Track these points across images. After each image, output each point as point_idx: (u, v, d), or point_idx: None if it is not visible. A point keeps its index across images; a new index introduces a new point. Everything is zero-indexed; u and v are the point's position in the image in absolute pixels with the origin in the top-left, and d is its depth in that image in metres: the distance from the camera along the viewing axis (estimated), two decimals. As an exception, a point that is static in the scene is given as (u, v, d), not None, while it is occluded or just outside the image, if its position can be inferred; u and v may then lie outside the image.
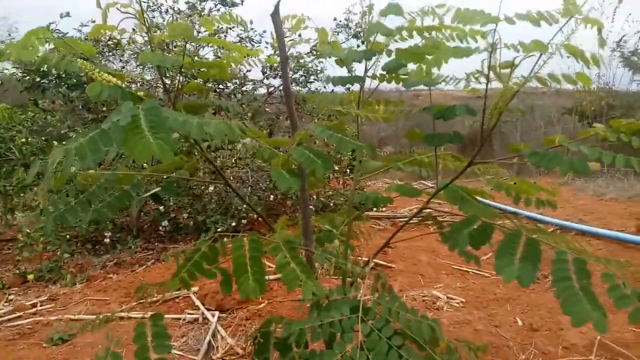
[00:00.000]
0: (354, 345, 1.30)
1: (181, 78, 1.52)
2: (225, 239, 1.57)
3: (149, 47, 1.53)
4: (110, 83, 1.34)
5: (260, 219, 5.90)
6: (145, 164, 3.87)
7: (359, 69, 1.85)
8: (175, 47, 5.82)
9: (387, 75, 1.75)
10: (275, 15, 1.87)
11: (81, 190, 1.52)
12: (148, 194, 1.69)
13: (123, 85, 1.37)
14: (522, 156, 1.52)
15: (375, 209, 7.19)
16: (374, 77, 1.78)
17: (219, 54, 6.26)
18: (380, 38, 1.76)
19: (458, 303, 3.67)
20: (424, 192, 1.78)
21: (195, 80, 1.62)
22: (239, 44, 7.49)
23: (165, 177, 1.69)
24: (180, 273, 1.36)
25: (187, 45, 6.31)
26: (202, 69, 1.64)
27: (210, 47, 6.60)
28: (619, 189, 8.28)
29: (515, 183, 1.65)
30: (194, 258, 1.40)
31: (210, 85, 6.30)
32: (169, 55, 1.48)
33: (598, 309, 1.07)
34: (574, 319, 1.07)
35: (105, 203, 1.50)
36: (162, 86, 1.60)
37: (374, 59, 1.74)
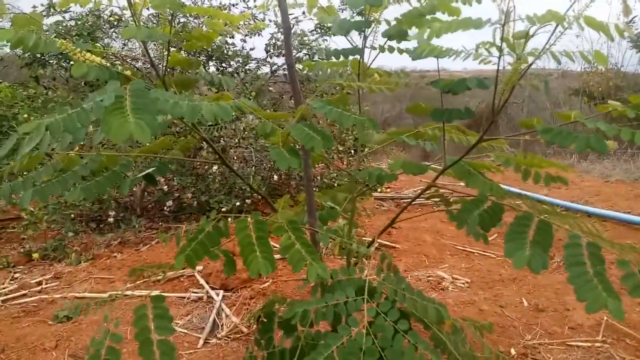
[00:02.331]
0: (359, 329, 1.28)
1: (169, 52, 1.46)
2: (229, 219, 1.54)
3: (134, 22, 1.47)
4: (94, 63, 1.30)
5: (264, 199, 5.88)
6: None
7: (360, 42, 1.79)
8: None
9: (387, 46, 1.69)
10: (279, -15, 1.81)
11: (61, 169, 1.49)
12: (141, 174, 1.66)
13: (107, 64, 1.33)
14: (534, 132, 1.47)
15: (378, 187, 7.15)
16: (373, 48, 1.71)
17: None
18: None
19: (463, 283, 3.65)
20: (430, 169, 1.73)
21: (180, 53, 1.56)
22: (242, 21, 7.36)
23: (157, 158, 1.66)
24: (185, 251, 1.33)
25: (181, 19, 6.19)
26: (188, 41, 1.57)
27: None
28: (625, 171, 8.21)
29: (526, 157, 1.59)
30: (199, 238, 1.37)
31: (201, 58, 6.20)
32: (154, 29, 1.43)
33: (613, 295, 1.03)
34: (589, 305, 1.04)
35: (94, 182, 1.47)
36: (149, 62, 1.53)
37: (372, 26, 1.67)
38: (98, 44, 6.15)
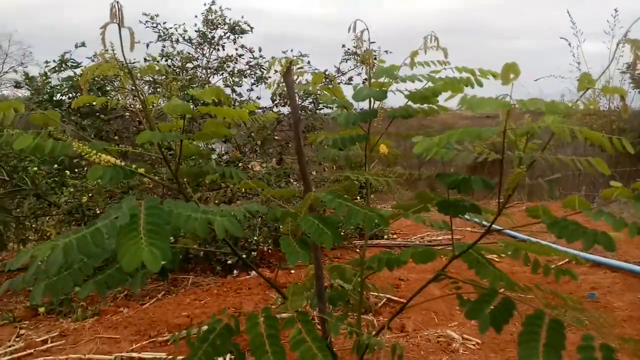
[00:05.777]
0: None
1: (182, 148, 1.50)
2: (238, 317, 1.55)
3: (147, 124, 1.53)
4: (109, 163, 1.34)
5: (270, 250, 5.87)
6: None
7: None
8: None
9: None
10: (287, 75, 1.87)
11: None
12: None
13: (122, 163, 1.38)
14: (541, 222, 1.49)
15: (385, 235, 7.12)
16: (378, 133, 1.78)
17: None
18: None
19: (474, 345, 3.59)
20: (439, 254, 1.75)
21: (192, 143, 1.61)
22: (248, 70, 7.53)
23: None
24: (197, 355, 1.33)
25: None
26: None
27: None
28: (634, 215, 8.15)
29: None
30: (210, 338, 1.38)
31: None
32: (168, 133, 1.49)
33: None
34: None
35: (106, 275, 1.44)
36: (164, 161, 1.56)
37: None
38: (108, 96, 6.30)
